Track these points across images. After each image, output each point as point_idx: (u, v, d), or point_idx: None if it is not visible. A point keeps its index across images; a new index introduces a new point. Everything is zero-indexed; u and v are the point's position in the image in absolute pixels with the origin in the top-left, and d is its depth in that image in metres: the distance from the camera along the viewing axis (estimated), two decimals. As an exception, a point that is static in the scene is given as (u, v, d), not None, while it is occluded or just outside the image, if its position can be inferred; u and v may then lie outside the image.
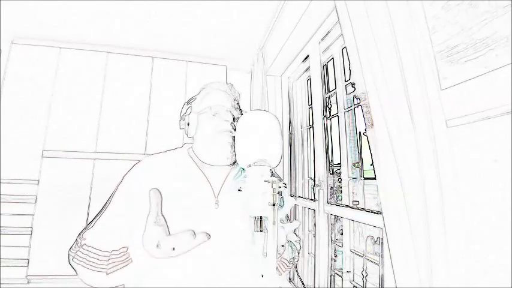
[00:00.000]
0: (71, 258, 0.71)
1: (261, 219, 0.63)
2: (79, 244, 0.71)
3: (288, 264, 0.85)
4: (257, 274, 0.70)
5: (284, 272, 0.85)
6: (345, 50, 1.66)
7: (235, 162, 0.84)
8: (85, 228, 0.74)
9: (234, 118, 0.83)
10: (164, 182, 0.74)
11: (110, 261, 0.68)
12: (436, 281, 0.67)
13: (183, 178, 0.78)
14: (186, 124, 0.86)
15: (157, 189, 0.67)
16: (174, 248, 0.63)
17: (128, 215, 0.72)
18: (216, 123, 0.81)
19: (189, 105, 0.88)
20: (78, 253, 0.70)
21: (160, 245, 0.63)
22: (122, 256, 0.68)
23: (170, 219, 0.68)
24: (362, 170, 1.49)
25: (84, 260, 0.68)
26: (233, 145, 0.80)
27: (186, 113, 0.87)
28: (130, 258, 0.67)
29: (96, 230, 0.72)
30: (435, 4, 0.76)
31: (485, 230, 0.64)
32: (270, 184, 0.63)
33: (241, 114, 0.87)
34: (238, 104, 0.89)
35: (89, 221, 0.75)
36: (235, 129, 0.83)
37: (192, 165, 0.82)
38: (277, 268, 0.81)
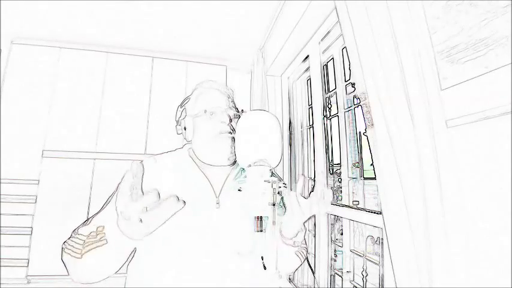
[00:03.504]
0: (62, 250, 0.69)
1: (261, 219, 0.63)
2: (72, 236, 0.71)
3: (305, 245, 0.84)
4: (257, 274, 0.70)
5: (306, 255, 0.84)
6: (345, 50, 1.66)
7: (235, 162, 0.84)
8: (83, 224, 0.73)
9: (230, 118, 0.82)
10: (165, 182, 0.74)
11: (86, 241, 0.65)
12: (437, 281, 0.67)
13: (184, 178, 0.78)
14: (183, 129, 0.84)
15: (141, 163, 0.59)
16: (141, 220, 0.56)
17: None
18: (213, 126, 0.80)
19: (183, 107, 0.86)
20: (68, 241, 0.69)
21: (130, 219, 0.56)
22: (96, 236, 0.65)
23: (171, 219, 0.68)
24: (362, 170, 1.49)
25: (71, 248, 0.67)
26: (233, 145, 0.80)
27: (181, 117, 0.86)
28: (105, 239, 0.63)
29: (91, 227, 0.72)
30: (435, 4, 0.76)
31: (485, 230, 0.64)
32: (270, 184, 0.63)
33: (237, 112, 0.86)
34: (233, 101, 0.87)
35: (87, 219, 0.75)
36: (233, 129, 0.82)
37: (192, 166, 0.81)
38: (298, 255, 0.80)
